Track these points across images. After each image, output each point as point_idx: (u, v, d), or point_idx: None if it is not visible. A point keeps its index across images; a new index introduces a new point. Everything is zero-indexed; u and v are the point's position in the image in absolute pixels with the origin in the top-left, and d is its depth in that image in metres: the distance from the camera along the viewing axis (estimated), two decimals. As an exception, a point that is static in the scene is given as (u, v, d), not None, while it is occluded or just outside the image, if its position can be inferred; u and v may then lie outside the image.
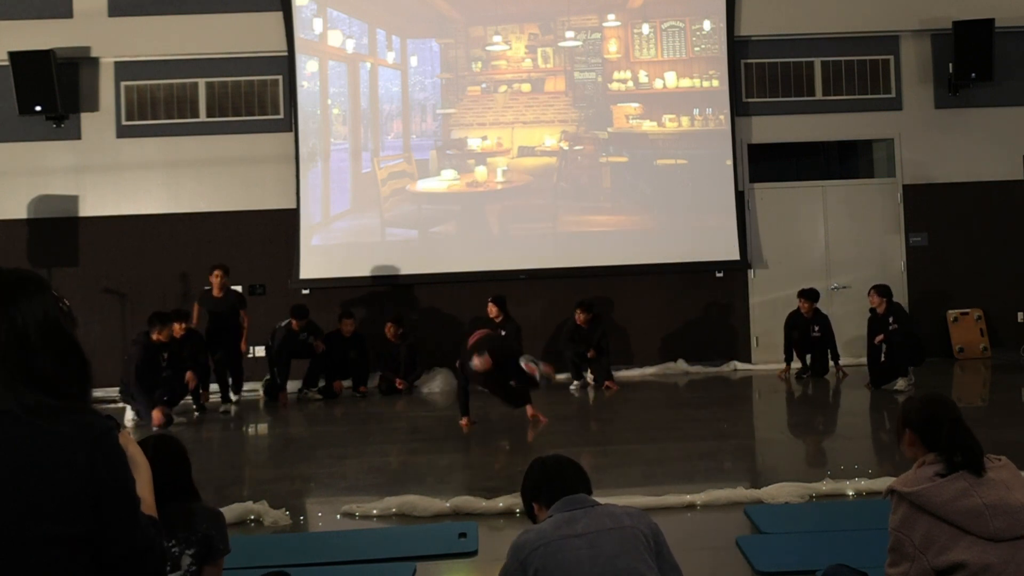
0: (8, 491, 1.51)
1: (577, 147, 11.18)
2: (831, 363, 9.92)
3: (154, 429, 7.87)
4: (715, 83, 11.17)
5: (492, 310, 9.70)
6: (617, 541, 2.51)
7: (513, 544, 2.59)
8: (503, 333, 9.02)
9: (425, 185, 11.15)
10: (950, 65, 11.02)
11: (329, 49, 11.12)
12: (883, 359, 9.07)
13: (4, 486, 1.51)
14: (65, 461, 1.53)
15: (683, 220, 11.06)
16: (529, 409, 7.62)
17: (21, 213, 10.94)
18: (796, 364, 10.18)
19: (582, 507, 2.62)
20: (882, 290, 9.42)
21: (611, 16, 11.24)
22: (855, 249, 11.28)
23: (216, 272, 9.57)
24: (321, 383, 10.03)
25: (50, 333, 1.63)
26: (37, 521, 1.51)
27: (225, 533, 3.02)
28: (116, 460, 1.60)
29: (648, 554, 2.53)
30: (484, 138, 11.18)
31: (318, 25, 11.09)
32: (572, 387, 9.91)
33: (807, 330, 9.97)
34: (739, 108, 11.19)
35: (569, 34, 11.25)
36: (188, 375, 8.88)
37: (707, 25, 11.21)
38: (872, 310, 9.44)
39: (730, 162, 11.07)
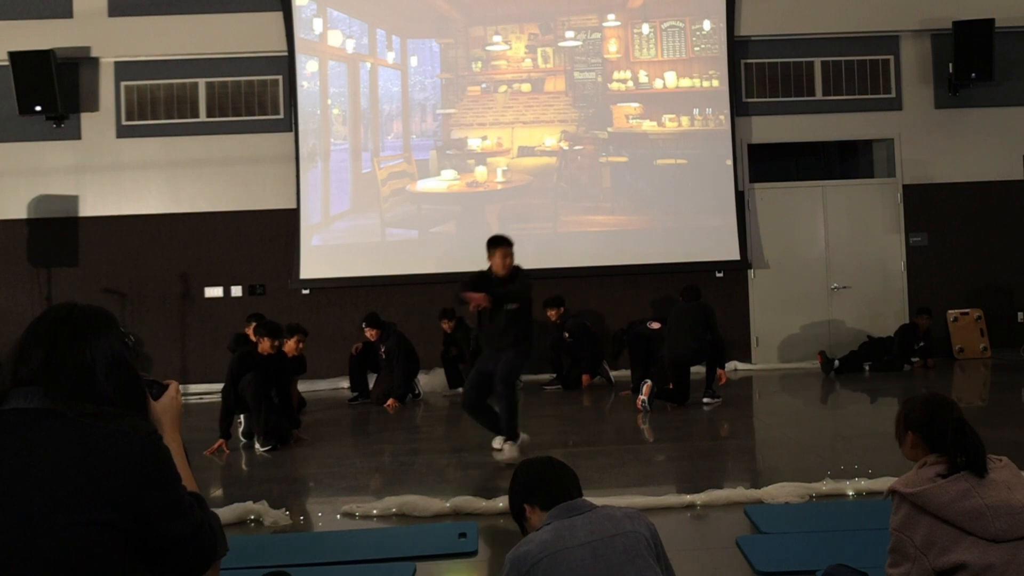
0: (55, 481, 1.60)
1: (577, 147, 11.18)
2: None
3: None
4: (715, 83, 11.17)
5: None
6: (621, 549, 2.42)
7: (513, 557, 2.46)
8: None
9: (425, 185, 11.15)
10: (950, 65, 11.02)
11: (329, 49, 11.12)
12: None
13: (50, 477, 1.60)
14: (113, 454, 1.64)
15: (683, 220, 11.06)
16: None
17: (21, 213, 10.95)
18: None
19: (580, 512, 2.51)
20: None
21: (611, 16, 11.24)
22: (855, 249, 11.27)
23: (296, 337, 8.07)
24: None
25: (115, 368, 1.79)
26: (80, 509, 1.59)
27: (222, 534, 2.99)
28: (161, 457, 1.72)
29: (652, 559, 2.46)
30: (484, 138, 11.17)
31: (318, 25, 11.09)
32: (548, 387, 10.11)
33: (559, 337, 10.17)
34: (739, 108, 11.19)
35: (569, 34, 11.25)
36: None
37: (707, 25, 11.20)
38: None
39: (730, 162, 11.07)
